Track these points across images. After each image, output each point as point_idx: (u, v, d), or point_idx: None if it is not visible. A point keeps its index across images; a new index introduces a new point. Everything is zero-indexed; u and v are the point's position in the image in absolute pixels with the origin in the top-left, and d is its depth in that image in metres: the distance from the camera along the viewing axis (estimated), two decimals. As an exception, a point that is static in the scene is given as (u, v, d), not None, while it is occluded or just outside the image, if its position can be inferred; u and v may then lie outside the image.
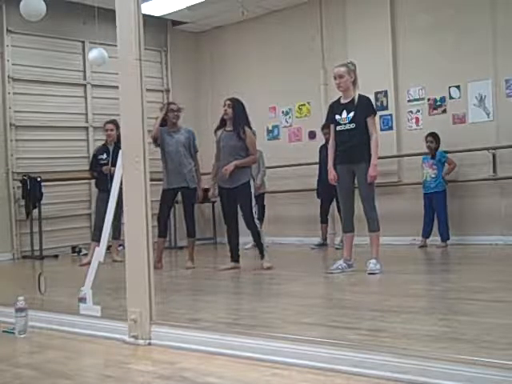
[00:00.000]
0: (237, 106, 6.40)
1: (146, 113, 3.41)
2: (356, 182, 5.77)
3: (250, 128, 6.52)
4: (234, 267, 6.47)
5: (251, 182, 6.45)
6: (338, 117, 5.75)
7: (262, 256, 6.40)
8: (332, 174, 5.79)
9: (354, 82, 5.74)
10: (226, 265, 6.53)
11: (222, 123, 6.53)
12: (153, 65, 10.47)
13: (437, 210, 7.83)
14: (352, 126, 5.66)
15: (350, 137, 5.67)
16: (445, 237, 7.74)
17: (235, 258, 6.55)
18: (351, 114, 5.66)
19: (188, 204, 6.90)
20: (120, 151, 3.53)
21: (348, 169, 5.73)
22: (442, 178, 7.82)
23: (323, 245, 8.66)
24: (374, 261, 5.59)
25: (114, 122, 7.56)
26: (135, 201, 3.39)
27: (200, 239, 9.93)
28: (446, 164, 7.88)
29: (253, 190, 6.44)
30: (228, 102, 6.42)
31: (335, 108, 5.84)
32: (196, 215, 7.20)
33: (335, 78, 5.77)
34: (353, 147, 5.66)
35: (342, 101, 5.79)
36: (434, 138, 7.86)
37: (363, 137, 5.65)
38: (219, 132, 6.53)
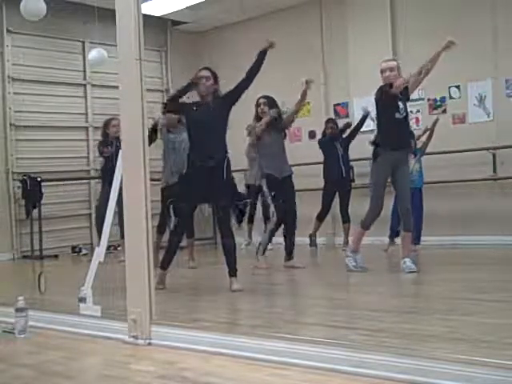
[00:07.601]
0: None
1: (145, 113, 3.42)
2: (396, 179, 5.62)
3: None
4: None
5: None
6: (400, 106, 5.62)
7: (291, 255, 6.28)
8: None
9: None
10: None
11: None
12: (153, 65, 10.46)
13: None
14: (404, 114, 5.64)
15: (404, 126, 5.67)
16: (416, 240, 6.87)
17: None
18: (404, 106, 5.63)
19: None
20: (120, 151, 3.53)
21: (393, 163, 5.53)
22: (421, 174, 7.30)
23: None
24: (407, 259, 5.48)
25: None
26: (135, 201, 3.39)
27: (200, 239, 9.93)
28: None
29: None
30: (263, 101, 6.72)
31: (389, 96, 5.63)
32: (196, 215, 7.16)
33: (385, 71, 5.66)
34: (406, 136, 5.74)
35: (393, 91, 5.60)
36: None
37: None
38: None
